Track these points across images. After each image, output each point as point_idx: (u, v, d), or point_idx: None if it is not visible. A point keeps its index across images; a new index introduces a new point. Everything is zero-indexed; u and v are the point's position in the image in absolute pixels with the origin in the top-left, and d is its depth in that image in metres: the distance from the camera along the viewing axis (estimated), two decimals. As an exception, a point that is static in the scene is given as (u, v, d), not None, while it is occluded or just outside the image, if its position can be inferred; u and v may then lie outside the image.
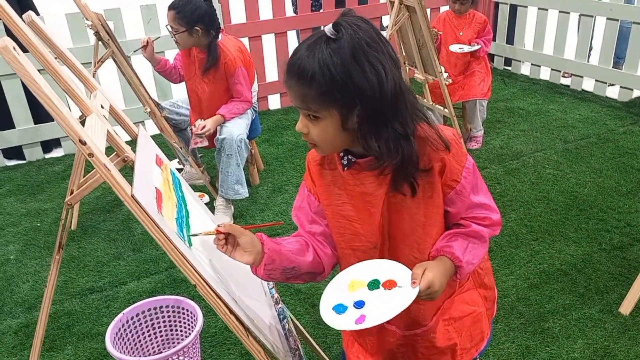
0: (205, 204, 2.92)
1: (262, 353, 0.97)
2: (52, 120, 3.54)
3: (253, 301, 1.18)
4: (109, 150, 0.96)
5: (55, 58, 1.02)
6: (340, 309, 0.98)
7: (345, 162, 1.02)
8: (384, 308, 0.95)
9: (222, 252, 0.98)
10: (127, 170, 1.07)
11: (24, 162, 3.61)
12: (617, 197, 2.76)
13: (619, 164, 3.11)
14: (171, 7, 2.53)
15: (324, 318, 0.97)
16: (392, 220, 1.05)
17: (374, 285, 1.01)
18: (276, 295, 1.35)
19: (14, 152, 3.60)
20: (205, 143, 2.73)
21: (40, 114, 3.56)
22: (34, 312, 2.16)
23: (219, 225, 0.98)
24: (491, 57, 4.87)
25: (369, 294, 0.99)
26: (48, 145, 3.71)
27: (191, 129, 2.71)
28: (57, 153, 3.70)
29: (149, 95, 2.65)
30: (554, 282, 2.18)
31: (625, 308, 2.00)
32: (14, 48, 0.80)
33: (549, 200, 2.76)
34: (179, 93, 3.81)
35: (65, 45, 3.44)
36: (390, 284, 1.00)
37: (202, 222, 1.20)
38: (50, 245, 2.62)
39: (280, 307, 1.31)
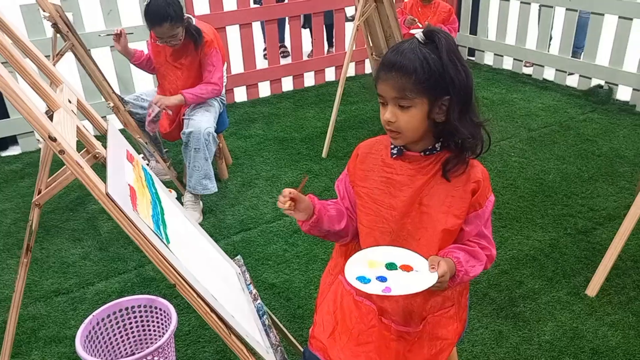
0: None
1: (245, 351, 0.95)
2: (8, 116, 3.42)
3: (232, 297, 1.16)
4: (78, 147, 0.92)
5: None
6: (363, 279, 1.10)
7: (396, 151, 1.20)
8: (406, 285, 1.07)
9: (286, 212, 1.15)
10: (98, 167, 1.02)
11: (-20, 159, 3.45)
12: (580, 183, 2.84)
13: (580, 150, 3.20)
14: (162, 21, 2.41)
15: (352, 283, 1.09)
16: (418, 216, 1.18)
17: (391, 266, 1.13)
18: (254, 291, 1.33)
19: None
20: (156, 112, 2.59)
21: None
22: (-4, 318, 2.07)
23: (290, 191, 1.13)
24: (471, 51, 4.93)
25: (388, 272, 1.12)
26: (4, 142, 3.55)
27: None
28: (13, 151, 3.55)
29: (112, 89, 2.56)
30: (523, 268, 2.23)
31: (592, 290, 2.07)
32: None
33: (515, 188, 2.82)
34: (142, 86, 3.72)
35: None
36: (407, 268, 1.12)
37: (176, 218, 1.17)
38: (10, 247, 2.52)
39: (259, 303, 1.29)
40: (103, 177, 0.90)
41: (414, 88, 1.08)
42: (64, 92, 0.97)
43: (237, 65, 4.16)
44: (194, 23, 2.58)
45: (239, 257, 1.49)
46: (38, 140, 3.65)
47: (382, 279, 1.10)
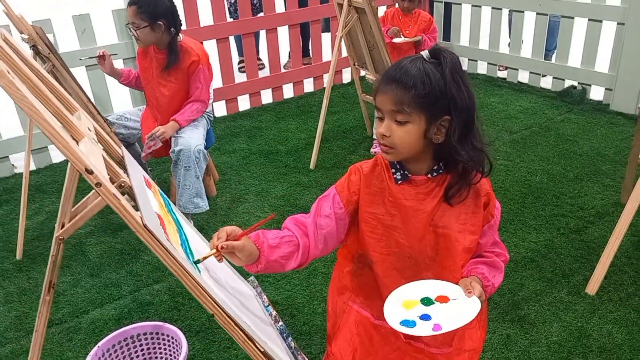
0: (163, 220, 2.79)
1: (284, 378, 0.92)
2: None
3: (259, 323, 1.13)
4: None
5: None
6: (407, 323, 1.05)
7: (399, 177, 1.15)
8: (453, 317, 1.04)
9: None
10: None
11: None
12: (567, 183, 2.90)
13: (562, 150, 3.27)
14: (132, 2, 2.41)
15: (399, 330, 1.04)
16: (435, 238, 1.15)
17: (427, 302, 1.09)
18: (274, 313, 1.30)
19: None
20: (159, 144, 2.60)
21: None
22: (-13, 354, 1.97)
23: (221, 247, 0.98)
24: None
25: (427, 308, 1.08)
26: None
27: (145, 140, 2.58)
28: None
29: (97, 111, 2.49)
30: (522, 270, 2.25)
31: (591, 288, 2.10)
32: (8, 72, 0.70)
33: (505, 190, 2.86)
34: (119, 106, 3.63)
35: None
36: (443, 299, 1.09)
37: (198, 243, 1.13)
38: (-4, 279, 2.41)
39: (282, 325, 1.26)
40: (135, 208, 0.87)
41: (412, 102, 1.05)
42: (82, 120, 0.92)
43: (215, 80, 4.11)
44: (179, 40, 2.55)
45: (252, 278, 1.45)
46: (13, 165, 3.52)
47: (425, 317, 1.06)
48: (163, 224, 0.91)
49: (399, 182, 1.15)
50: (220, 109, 4.17)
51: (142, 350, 1.69)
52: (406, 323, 1.05)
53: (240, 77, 4.28)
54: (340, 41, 3.08)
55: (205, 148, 2.84)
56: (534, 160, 3.17)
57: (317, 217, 1.18)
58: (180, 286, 2.29)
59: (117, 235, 2.69)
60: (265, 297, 1.36)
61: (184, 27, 3.76)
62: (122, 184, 0.90)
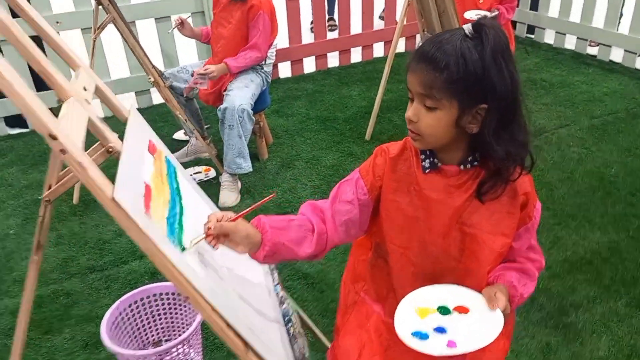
0: (212, 178, 2.80)
1: (263, 371, 0.86)
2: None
3: (255, 306, 1.07)
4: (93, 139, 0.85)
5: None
6: (420, 335, 0.96)
7: (428, 165, 1.03)
8: (471, 334, 0.95)
9: (215, 246, 0.95)
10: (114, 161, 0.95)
11: (27, 130, 3.50)
12: (647, 180, 2.60)
13: (648, 142, 2.93)
14: None
15: (409, 343, 0.95)
16: (461, 237, 1.04)
17: (444, 311, 1.00)
18: (281, 294, 1.24)
19: (17, 121, 3.49)
20: (205, 86, 2.63)
21: (42, 81, 3.43)
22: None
23: (208, 228, 0.92)
24: (513, 24, 4.62)
25: (444, 319, 0.99)
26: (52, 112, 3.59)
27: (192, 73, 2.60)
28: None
29: (152, 64, 2.51)
30: (577, 272, 2.05)
31: (654, 302, 1.88)
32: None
33: (572, 181, 2.61)
34: (186, 60, 3.66)
35: (67, 8, 3.31)
36: (462, 309, 0.99)
37: (198, 216, 1.08)
38: (53, 220, 2.53)
39: (285, 308, 1.20)
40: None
41: (443, 87, 0.92)
42: (79, 78, 0.88)
43: (282, 40, 4.02)
44: None
45: (268, 253, 1.40)
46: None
47: (440, 330, 0.96)
48: (149, 195, 0.86)
49: (427, 170, 1.04)
50: (284, 70, 4.10)
51: (164, 308, 1.71)
52: (418, 335, 0.96)
53: (308, 38, 4.17)
54: (408, 5, 2.88)
55: (259, 110, 2.81)
56: (613, 150, 2.86)
57: (337, 203, 1.09)
58: None
59: (167, 189, 2.74)
60: (276, 275, 1.31)
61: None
62: (110, 149, 0.85)
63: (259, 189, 2.70)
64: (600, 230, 2.27)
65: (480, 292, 1.03)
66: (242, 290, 1.06)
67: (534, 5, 4.45)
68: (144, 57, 2.46)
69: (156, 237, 0.78)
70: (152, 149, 1.02)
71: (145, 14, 3.44)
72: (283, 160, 2.94)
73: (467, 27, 0.94)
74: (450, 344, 0.93)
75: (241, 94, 2.53)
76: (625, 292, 1.95)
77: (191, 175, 2.86)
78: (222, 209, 2.51)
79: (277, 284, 1.27)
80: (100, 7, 2.38)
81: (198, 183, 2.77)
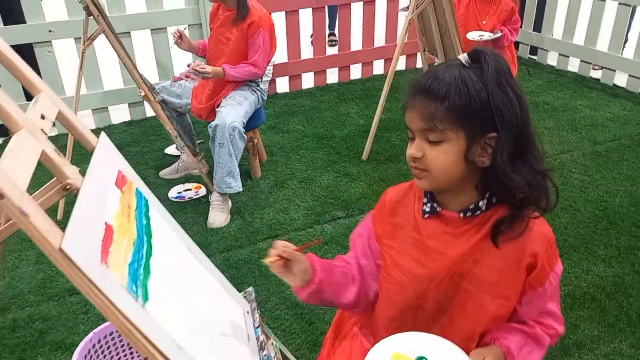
0: (202, 196, 2.71)
1: None
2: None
3: (231, 353, 0.98)
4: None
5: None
6: None
7: (428, 209, 0.96)
8: None
9: (275, 272, 0.98)
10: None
11: (15, 140, 3.41)
12: (652, 210, 2.51)
13: (653, 171, 2.85)
14: None
15: None
16: (454, 291, 0.96)
17: None
18: (262, 338, 1.14)
19: (2, 129, 3.41)
20: (195, 83, 2.59)
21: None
22: (7, 314, 1.98)
23: (283, 251, 0.96)
24: (516, 44, 4.56)
25: None
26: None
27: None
28: (51, 132, 3.48)
29: (142, 79, 2.42)
30: (580, 309, 1.96)
31: (661, 344, 1.78)
32: None
33: (575, 210, 2.52)
34: (182, 71, 3.58)
35: (60, 17, 3.24)
36: None
37: (170, 253, 0.99)
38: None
39: (266, 354, 1.10)
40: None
41: (446, 117, 0.85)
42: (37, 105, 0.79)
43: (281, 54, 3.95)
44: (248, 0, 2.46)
45: (251, 289, 1.30)
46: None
47: None
48: (109, 238, 0.77)
49: (427, 215, 0.97)
50: (282, 85, 4.02)
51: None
52: None
53: (307, 52, 4.10)
54: (409, 24, 2.81)
55: (254, 127, 2.73)
56: (617, 178, 2.78)
57: (357, 255, 1.08)
58: (233, 260, 2.20)
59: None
60: (257, 315, 1.21)
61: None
62: (68, 187, 0.76)
63: (250, 209, 2.61)
64: (605, 263, 2.17)
65: (468, 353, 0.92)
66: (217, 339, 0.96)
67: (538, 27, 4.39)
68: (133, 70, 2.38)
69: (111, 292, 0.69)
70: (120, 182, 0.93)
71: (141, 24, 3.37)
72: (276, 179, 2.85)
73: (464, 57, 0.88)
74: None
75: (233, 112, 2.45)
76: (630, 331, 1.85)
77: (180, 192, 2.76)
78: (210, 229, 2.44)
79: (258, 327, 1.17)
80: (90, 17, 2.31)
81: (188, 201, 2.72)
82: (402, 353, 0.92)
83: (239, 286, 2.11)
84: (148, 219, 0.97)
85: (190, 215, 2.55)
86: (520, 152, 0.87)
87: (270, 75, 2.77)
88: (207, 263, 1.16)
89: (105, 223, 0.79)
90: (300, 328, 1.90)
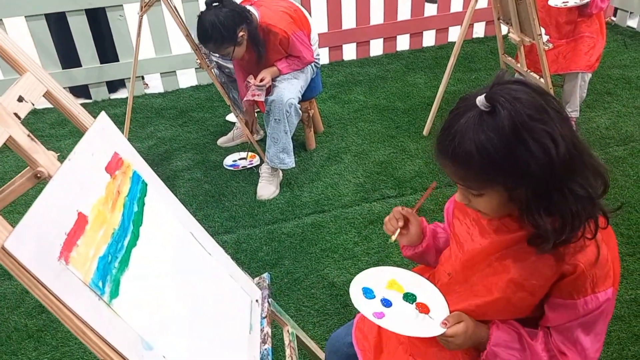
0: (255, 166, 2.70)
1: None
2: (118, 60, 3.47)
3: (220, 348, 0.94)
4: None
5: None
6: (368, 293, 1.01)
7: None
8: (404, 322, 0.96)
9: (392, 231, 1.09)
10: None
11: (89, 101, 3.58)
12: None
13: None
14: (204, 42, 2.26)
15: (352, 290, 1.01)
16: (486, 270, 0.97)
17: (408, 297, 1.02)
18: (266, 330, 1.10)
19: (81, 91, 3.58)
20: (262, 98, 2.47)
21: (106, 53, 3.48)
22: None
23: (401, 209, 1.11)
24: (615, 11, 4.09)
25: (399, 301, 1.01)
26: (113, 85, 3.64)
27: (247, 83, 2.46)
28: (122, 94, 3.62)
29: (197, 46, 2.41)
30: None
31: None
32: None
33: None
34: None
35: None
36: (423, 308, 1.00)
37: (161, 247, 0.95)
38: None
39: (266, 349, 1.05)
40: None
41: (476, 180, 0.87)
42: (16, 87, 0.77)
43: (349, 20, 3.81)
44: (255, 23, 2.31)
45: (265, 275, 1.26)
46: (146, 84, 3.69)
47: (386, 302, 1.00)
48: (80, 228, 0.74)
49: None
50: (349, 52, 3.88)
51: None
52: (367, 291, 1.01)
53: (376, 19, 3.91)
54: (482, -10, 2.56)
55: (308, 98, 2.65)
56: None
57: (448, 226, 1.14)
58: (247, 241, 2.20)
59: (209, 174, 2.67)
60: (266, 305, 1.16)
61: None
62: (39, 174, 0.74)
63: (300, 182, 2.56)
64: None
65: (451, 311, 0.98)
66: (209, 334, 0.92)
67: (640, -10, 3.89)
68: (187, 37, 2.37)
69: (64, 291, 0.66)
70: (113, 166, 0.89)
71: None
72: (330, 153, 2.78)
73: (481, 101, 0.83)
74: (378, 314, 0.96)
75: (290, 87, 2.40)
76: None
77: (235, 161, 2.77)
78: (259, 201, 2.43)
79: (265, 317, 1.13)
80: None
81: (241, 169, 2.72)
82: (397, 282, 1.04)
83: (279, 260, 2.11)
84: (142, 205, 0.94)
85: (242, 184, 2.56)
86: (558, 188, 0.84)
87: (317, 44, 2.65)
88: (213, 249, 1.12)
89: (79, 213, 0.76)
90: (334, 310, 1.85)
